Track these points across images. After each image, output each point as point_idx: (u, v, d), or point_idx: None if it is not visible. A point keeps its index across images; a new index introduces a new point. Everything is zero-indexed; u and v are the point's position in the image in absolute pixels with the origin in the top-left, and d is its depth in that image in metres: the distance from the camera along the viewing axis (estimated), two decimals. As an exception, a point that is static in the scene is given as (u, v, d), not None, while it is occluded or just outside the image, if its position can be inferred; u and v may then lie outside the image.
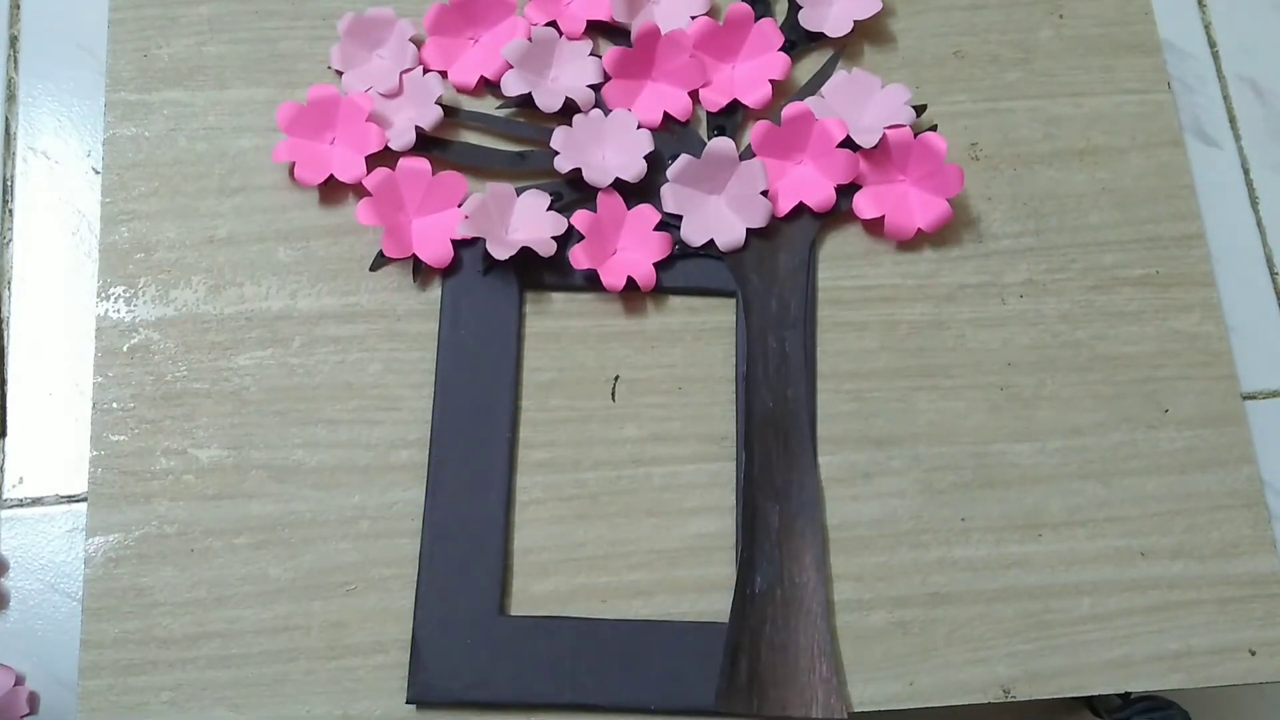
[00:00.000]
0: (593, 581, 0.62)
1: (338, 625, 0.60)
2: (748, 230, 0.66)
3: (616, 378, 0.65)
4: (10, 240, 0.67)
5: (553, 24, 0.69)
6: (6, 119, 0.70)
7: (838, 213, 0.68)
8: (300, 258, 0.66)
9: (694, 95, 0.69)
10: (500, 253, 0.63)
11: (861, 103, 0.69)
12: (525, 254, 0.64)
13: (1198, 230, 0.69)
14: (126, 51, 0.69)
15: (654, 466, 0.64)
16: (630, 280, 0.65)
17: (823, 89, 0.69)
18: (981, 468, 0.64)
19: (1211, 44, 0.76)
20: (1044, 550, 0.63)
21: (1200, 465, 0.65)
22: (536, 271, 0.65)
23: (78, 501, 0.63)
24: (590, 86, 0.68)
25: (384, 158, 0.66)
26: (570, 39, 0.69)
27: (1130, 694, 0.91)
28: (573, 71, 0.69)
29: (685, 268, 0.66)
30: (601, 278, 0.64)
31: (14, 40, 0.71)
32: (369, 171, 0.65)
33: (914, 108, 0.68)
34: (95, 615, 0.60)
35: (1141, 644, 0.62)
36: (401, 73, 0.68)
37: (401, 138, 0.66)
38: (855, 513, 0.64)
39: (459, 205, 0.65)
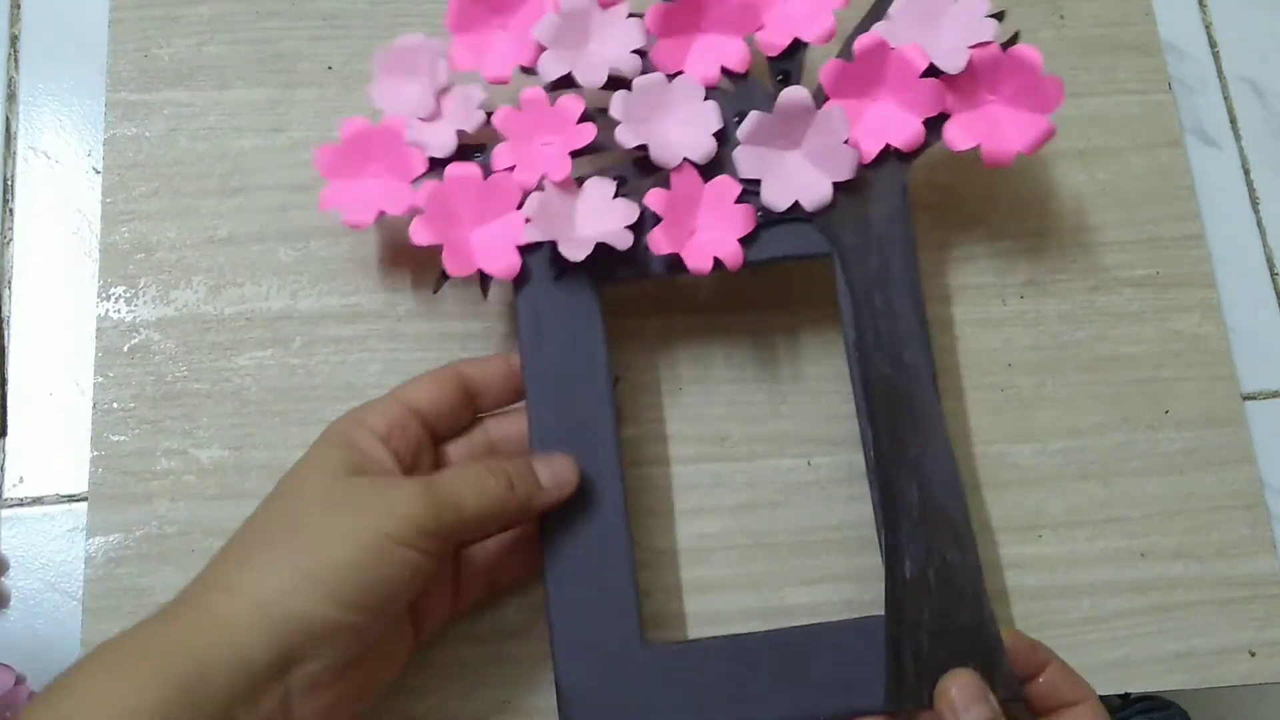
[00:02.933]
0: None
1: (338, 625, 0.61)
2: (834, 185, 0.60)
3: (617, 378, 0.65)
4: (10, 240, 0.68)
5: None
6: (7, 118, 0.70)
7: (926, 149, 0.62)
8: (301, 258, 0.66)
9: (748, 40, 0.62)
10: (574, 253, 0.57)
11: (935, 21, 0.62)
12: (598, 249, 0.58)
13: (1198, 231, 0.69)
14: (127, 51, 0.69)
15: (654, 467, 0.64)
16: (716, 261, 0.59)
17: (889, 10, 0.62)
18: (982, 469, 0.65)
19: (1212, 44, 0.76)
20: (1044, 551, 0.63)
21: (1200, 466, 0.65)
22: (610, 265, 0.59)
23: (78, 501, 0.63)
24: (635, 52, 0.62)
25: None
26: (604, 5, 0.62)
27: (1130, 694, 0.91)
28: (613, 40, 0.62)
29: (769, 236, 0.60)
30: (686, 262, 0.59)
31: (14, 39, 0.71)
32: None
33: (993, 16, 0.62)
34: (96, 615, 0.60)
35: (1141, 645, 0.62)
36: (437, 93, 0.62)
37: (443, 147, 0.60)
38: (855, 513, 0.63)
39: (518, 208, 0.59)
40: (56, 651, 0.62)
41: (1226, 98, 0.75)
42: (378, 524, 0.49)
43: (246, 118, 0.68)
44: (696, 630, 0.62)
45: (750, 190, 0.60)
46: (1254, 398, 0.68)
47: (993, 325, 0.67)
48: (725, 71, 0.62)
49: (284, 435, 0.63)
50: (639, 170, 0.61)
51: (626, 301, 0.65)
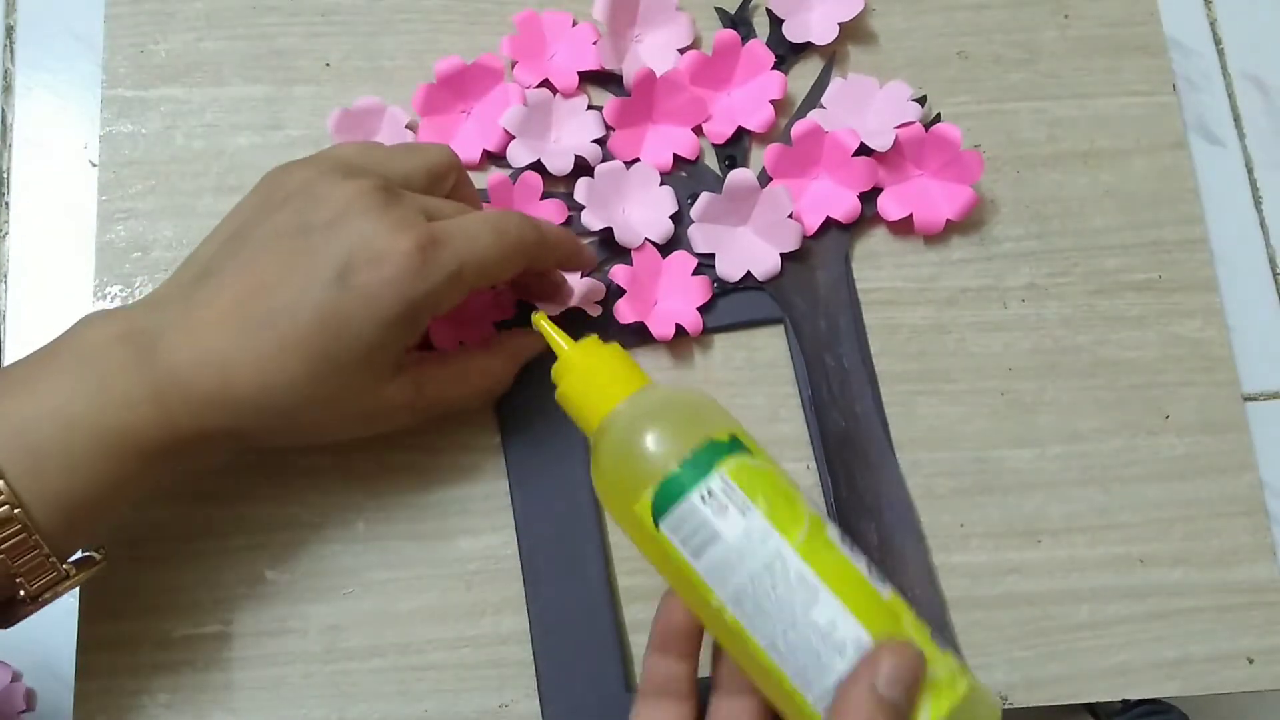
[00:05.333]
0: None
1: (335, 628, 0.60)
2: (782, 256, 0.66)
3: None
4: (7, 234, 0.67)
5: (545, 83, 0.68)
6: (3, 110, 0.69)
7: (864, 219, 0.67)
8: (298, 257, 0.66)
9: (697, 130, 0.68)
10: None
11: (864, 106, 0.68)
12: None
13: (1201, 234, 0.69)
14: (123, 47, 0.68)
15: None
16: (678, 328, 0.64)
17: (823, 99, 0.68)
18: (981, 473, 0.64)
19: (1217, 41, 0.75)
20: (1043, 557, 0.63)
21: (1200, 472, 0.65)
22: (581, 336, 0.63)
23: (74, 501, 0.63)
24: (594, 141, 0.67)
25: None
26: (565, 97, 0.68)
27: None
28: (574, 129, 0.67)
29: (727, 304, 0.66)
30: (651, 330, 0.64)
31: (10, 31, 0.71)
32: None
33: (915, 100, 0.68)
34: (92, 614, 0.60)
35: (1140, 651, 0.62)
36: None
37: None
38: (854, 518, 0.63)
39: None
40: (52, 648, 0.62)
41: (1231, 94, 0.75)
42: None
43: (243, 115, 0.68)
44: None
45: (705, 263, 0.66)
46: (1254, 398, 0.68)
47: (993, 329, 0.67)
48: (677, 158, 0.68)
49: (281, 436, 0.63)
50: (602, 247, 0.66)
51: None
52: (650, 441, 0.47)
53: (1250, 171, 0.73)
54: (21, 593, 0.49)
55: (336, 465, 0.62)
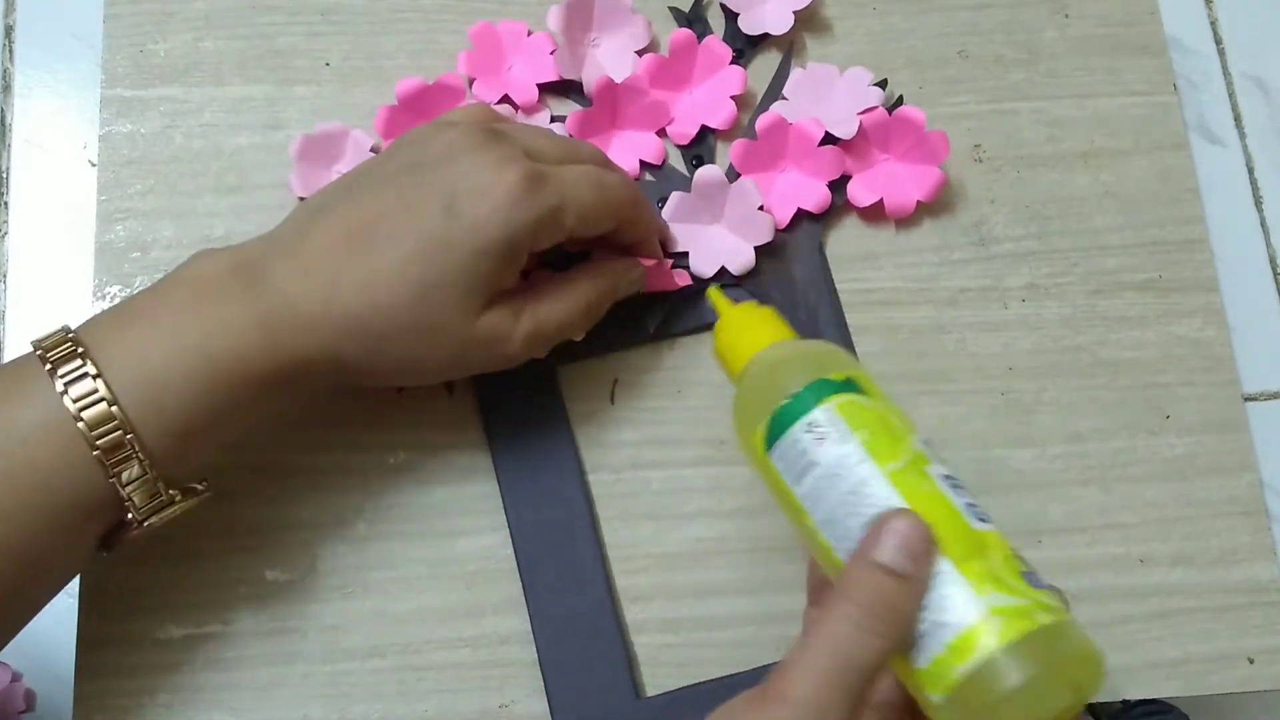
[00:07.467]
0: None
1: (334, 628, 0.60)
2: (756, 249, 0.65)
3: (615, 380, 0.65)
4: (7, 234, 0.67)
5: (505, 98, 0.67)
6: (2, 110, 0.69)
7: (835, 207, 0.67)
8: (298, 257, 0.65)
9: (661, 133, 0.68)
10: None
11: (826, 95, 0.68)
12: None
13: (1201, 234, 0.69)
14: (122, 47, 0.68)
15: (653, 470, 0.64)
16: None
17: (784, 90, 0.69)
18: (981, 473, 0.64)
19: (1218, 40, 0.75)
20: (1043, 556, 0.63)
21: (1201, 472, 0.65)
22: (564, 342, 0.62)
23: (74, 501, 0.63)
24: None
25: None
26: (526, 111, 0.67)
27: (1127, 691, 0.92)
28: None
29: (705, 302, 0.64)
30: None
31: (9, 30, 0.71)
32: None
33: (876, 85, 0.68)
34: (92, 617, 0.60)
35: (1139, 651, 0.62)
36: None
37: None
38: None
39: None
40: (52, 649, 0.62)
41: (1231, 94, 0.74)
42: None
43: (243, 115, 0.68)
44: (694, 634, 0.62)
45: (680, 264, 0.66)
46: (1255, 399, 0.68)
47: (994, 329, 0.66)
48: (643, 163, 0.67)
49: (281, 437, 0.63)
50: (576, 257, 0.64)
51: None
52: (770, 380, 0.51)
53: (1250, 171, 0.73)
54: (130, 515, 0.51)
55: (336, 465, 0.62)
